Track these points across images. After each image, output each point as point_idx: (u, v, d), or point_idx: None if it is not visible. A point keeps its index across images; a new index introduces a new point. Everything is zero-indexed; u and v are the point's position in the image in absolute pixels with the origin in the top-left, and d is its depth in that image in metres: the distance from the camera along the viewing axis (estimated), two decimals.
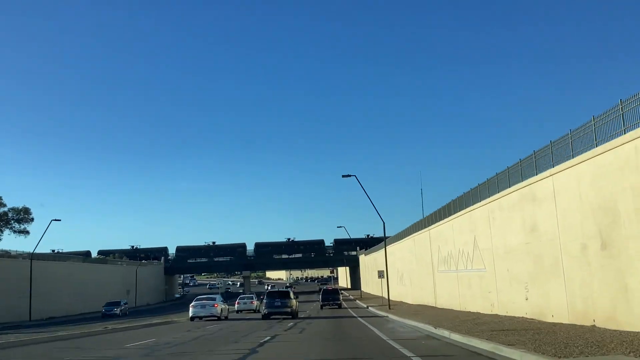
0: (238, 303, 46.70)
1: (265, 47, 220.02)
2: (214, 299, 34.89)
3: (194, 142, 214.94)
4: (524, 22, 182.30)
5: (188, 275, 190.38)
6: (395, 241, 60.75)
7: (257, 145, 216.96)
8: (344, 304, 52.87)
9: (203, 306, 33.36)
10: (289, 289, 39.63)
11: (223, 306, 34.72)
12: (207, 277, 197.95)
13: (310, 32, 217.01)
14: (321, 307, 45.54)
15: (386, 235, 45.32)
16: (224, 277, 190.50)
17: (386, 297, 64.43)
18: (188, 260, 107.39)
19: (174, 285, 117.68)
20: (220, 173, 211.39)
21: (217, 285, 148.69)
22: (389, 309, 38.75)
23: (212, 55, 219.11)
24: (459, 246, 31.66)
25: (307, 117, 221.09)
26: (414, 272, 48.45)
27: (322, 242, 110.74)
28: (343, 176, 40.58)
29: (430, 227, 39.92)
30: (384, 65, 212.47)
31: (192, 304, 34.23)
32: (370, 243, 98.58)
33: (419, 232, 44.43)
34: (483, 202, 26.37)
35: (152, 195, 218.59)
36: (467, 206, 29.74)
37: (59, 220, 57.35)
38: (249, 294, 61.44)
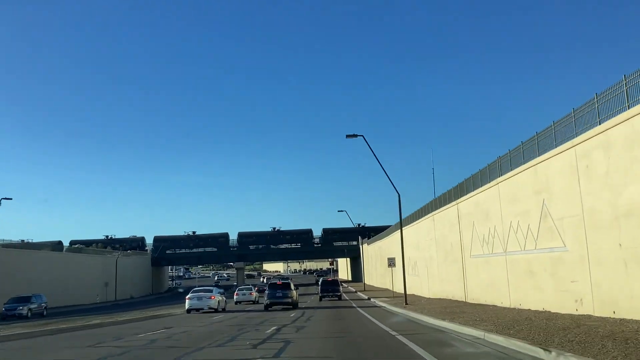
0: (237, 294, 45.96)
1: (244, 35, 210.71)
2: (210, 291, 34.51)
3: (169, 130, 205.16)
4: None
5: (181, 267, 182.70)
6: (406, 224, 51.90)
7: (240, 134, 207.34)
8: (345, 296, 46.92)
9: (200, 298, 32.99)
10: (289, 281, 39.34)
11: (220, 298, 34.30)
12: (203, 269, 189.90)
13: (294, 14, 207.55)
14: (320, 299, 42.79)
15: (385, 219, 36.49)
16: (220, 270, 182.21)
17: (395, 290, 55.80)
18: (167, 251, 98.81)
19: (163, 278, 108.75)
20: (199, 162, 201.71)
21: (193, 276, 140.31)
22: (406, 304, 29.97)
23: (197, 43, 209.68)
24: (510, 219, 22.71)
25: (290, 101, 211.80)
26: (433, 259, 39.63)
27: (309, 231, 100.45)
28: (347, 136, 31.30)
29: (459, 200, 30.99)
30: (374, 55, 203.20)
31: (188, 296, 33.71)
32: (362, 233, 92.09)
33: (442, 208, 35.50)
34: (566, 145, 17.33)
35: (126, 185, 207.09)
36: (528, 159, 20.74)
37: (10, 199, 48.47)
38: (247, 285, 59.07)
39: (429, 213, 40.48)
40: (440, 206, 36.25)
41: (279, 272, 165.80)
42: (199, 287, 39.83)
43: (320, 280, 49.90)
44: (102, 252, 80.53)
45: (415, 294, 45.65)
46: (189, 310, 32.66)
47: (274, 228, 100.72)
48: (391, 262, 41.67)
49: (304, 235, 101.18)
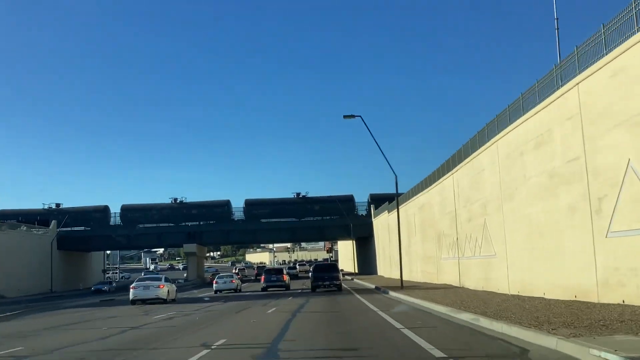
0: (216, 282, 42.70)
1: None
2: (159, 279, 32.82)
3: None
4: None
5: (149, 253, 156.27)
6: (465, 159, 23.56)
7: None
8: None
9: (146, 287, 30.83)
10: (282, 267, 45.67)
11: (170, 287, 32.25)
12: (176, 262, 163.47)
13: None
14: (313, 289, 35.09)
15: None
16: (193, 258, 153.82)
17: (468, 286, 26.16)
18: None
19: (87, 270, 75.53)
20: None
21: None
22: None
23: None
24: None
25: None
26: None
27: (226, 203, 72.77)
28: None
29: None
30: None
31: (132, 285, 31.76)
32: (302, 206, 71.71)
33: None
34: None
35: None
36: None
37: None
38: (227, 273, 52.42)
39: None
40: None
41: (264, 263, 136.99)
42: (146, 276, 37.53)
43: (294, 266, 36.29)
44: None
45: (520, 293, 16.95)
46: (133, 302, 30.39)
47: (175, 199, 72.53)
48: None
49: (218, 208, 71.46)
